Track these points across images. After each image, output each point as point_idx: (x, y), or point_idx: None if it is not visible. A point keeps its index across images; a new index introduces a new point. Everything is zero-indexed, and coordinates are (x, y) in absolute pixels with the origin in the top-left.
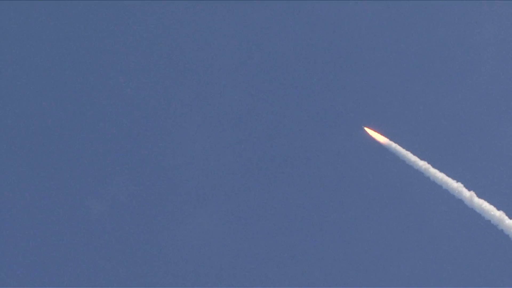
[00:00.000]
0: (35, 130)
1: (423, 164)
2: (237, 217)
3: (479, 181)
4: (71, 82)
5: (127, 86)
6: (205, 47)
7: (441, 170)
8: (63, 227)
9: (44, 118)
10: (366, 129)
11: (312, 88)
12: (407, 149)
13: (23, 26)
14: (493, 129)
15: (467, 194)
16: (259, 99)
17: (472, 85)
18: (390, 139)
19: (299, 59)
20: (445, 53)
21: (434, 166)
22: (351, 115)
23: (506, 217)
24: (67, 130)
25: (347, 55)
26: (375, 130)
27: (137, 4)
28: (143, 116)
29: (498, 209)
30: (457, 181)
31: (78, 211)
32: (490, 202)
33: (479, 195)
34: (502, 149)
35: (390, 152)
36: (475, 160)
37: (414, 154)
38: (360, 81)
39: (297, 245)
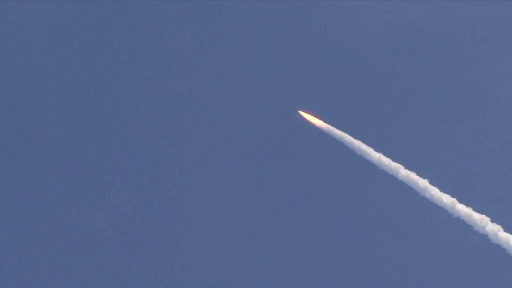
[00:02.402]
0: (35, 144)
1: (363, 146)
2: (240, 227)
3: (416, 162)
4: (72, 94)
5: (129, 98)
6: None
7: (378, 151)
8: (66, 240)
9: (45, 131)
10: (301, 112)
11: (244, 73)
12: (344, 131)
13: (23, 26)
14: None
15: (401, 171)
16: (192, 86)
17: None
18: (325, 122)
19: (233, 44)
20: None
21: (375, 148)
22: (284, 100)
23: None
24: (68, 142)
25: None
26: (309, 114)
27: (135, 4)
28: (145, 127)
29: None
30: (396, 161)
31: (80, 224)
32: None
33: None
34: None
35: (327, 134)
36: (416, 143)
37: (352, 136)
38: (292, 67)
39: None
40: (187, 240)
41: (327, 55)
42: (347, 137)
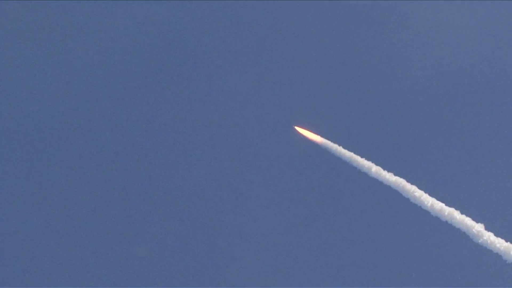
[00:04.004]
0: (76, 176)
1: (418, 193)
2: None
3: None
4: (113, 127)
5: (173, 132)
6: None
7: (383, 167)
8: (109, 272)
9: (86, 163)
10: (297, 128)
11: (237, 89)
12: (340, 145)
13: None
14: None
15: (405, 185)
16: (188, 100)
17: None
18: (322, 137)
19: (222, 60)
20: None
21: (376, 163)
22: (279, 116)
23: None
24: (109, 175)
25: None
26: (306, 129)
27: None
28: (182, 157)
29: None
30: (394, 174)
31: (122, 256)
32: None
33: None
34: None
35: (324, 149)
36: (408, 153)
37: (350, 150)
38: (286, 82)
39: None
40: (233, 270)
41: (323, 69)
42: (401, 183)
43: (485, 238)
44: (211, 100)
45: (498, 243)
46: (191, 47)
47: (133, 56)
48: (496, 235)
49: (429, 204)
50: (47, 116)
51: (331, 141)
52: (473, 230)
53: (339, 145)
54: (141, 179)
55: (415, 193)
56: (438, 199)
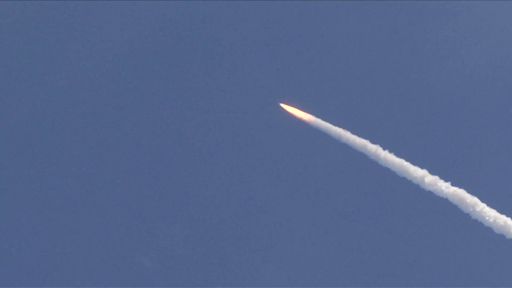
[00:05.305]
0: (81, 188)
1: (350, 136)
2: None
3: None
4: (120, 135)
5: (177, 137)
6: None
7: (365, 138)
8: (114, 283)
9: (91, 174)
10: (282, 105)
11: (221, 67)
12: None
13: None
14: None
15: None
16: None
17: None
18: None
19: (205, 39)
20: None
21: (360, 136)
22: (264, 93)
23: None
24: (114, 184)
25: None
26: (291, 106)
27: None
28: (190, 162)
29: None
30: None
31: (128, 268)
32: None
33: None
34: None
35: (311, 126)
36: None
37: (338, 126)
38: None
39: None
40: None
41: (305, 45)
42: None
43: None
44: (194, 79)
45: None
46: (176, 25)
47: (125, 55)
48: None
49: (491, 219)
50: (48, 117)
51: (323, 119)
52: None
53: (334, 124)
54: (139, 180)
55: (476, 207)
56: (500, 212)
